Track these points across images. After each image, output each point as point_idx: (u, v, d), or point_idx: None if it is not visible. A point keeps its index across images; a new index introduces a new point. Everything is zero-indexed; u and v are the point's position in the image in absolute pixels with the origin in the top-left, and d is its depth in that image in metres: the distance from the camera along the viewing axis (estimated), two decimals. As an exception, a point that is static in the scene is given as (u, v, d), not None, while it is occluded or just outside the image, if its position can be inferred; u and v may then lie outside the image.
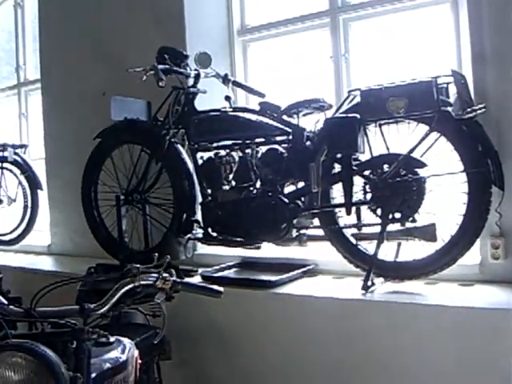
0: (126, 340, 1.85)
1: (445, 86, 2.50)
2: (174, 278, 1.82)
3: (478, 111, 2.38)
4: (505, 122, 2.56)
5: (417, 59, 3.13)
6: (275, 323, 2.76)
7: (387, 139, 2.68)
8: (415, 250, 2.67)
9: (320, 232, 2.89)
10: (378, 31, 3.31)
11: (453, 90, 2.50)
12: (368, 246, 2.76)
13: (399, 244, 2.76)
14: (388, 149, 2.69)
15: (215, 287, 1.94)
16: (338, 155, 2.69)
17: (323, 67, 3.43)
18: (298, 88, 3.50)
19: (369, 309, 2.55)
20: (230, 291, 2.29)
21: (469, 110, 2.38)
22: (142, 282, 1.77)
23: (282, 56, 3.70)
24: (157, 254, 1.85)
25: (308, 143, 2.78)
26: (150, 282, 1.78)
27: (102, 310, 1.69)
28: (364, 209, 2.72)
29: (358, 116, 2.58)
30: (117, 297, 1.72)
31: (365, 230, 2.75)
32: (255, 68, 3.77)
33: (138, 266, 1.78)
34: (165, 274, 1.80)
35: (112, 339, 1.76)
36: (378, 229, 2.67)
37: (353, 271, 2.89)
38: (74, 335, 1.57)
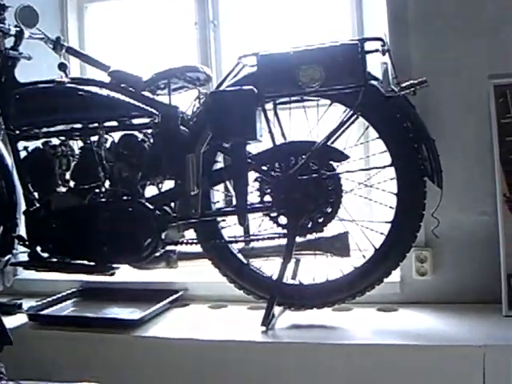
0: None
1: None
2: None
3: (418, 86, 1.80)
4: (432, 103, 2.04)
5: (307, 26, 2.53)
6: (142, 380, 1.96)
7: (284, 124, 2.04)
8: (328, 269, 2.04)
9: (195, 248, 2.14)
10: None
11: (376, 61, 1.90)
12: (262, 264, 2.09)
13: (297, 262, 2.13)
14: (284, 136, 2.04)
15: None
16: (226, 144, 1.97)
17: (186, 36, 2.70)
18: (152, 62, 2.72)
19: (274, 353, 1.87)
20: (69, 336, 1.83)
21: (406, 84, 1.80)
22: None
23: (130, 22, 2.89)
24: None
25: (182, 128, 2.01)
26: None
27: None
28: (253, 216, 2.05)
29: (254, 90, 1.88)
30: None
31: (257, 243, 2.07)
32: (95, 35, 2.92)
33: None
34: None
35: None
36: (278, 242, 2.01)
37: (233, 296, 2.22)
38: None
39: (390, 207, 1.97)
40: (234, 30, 2.68)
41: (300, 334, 1.92)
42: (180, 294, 2.32)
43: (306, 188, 1.91)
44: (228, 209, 2.04)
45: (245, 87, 1.88)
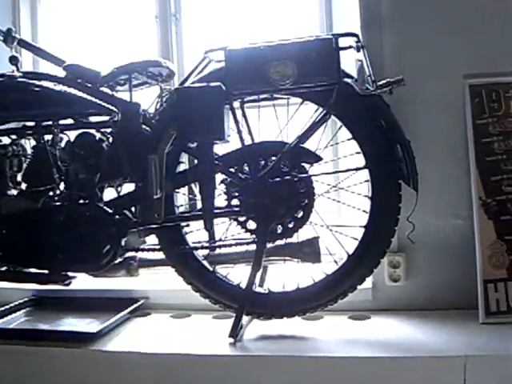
0: None
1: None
2: None
3: (395, 85, 1.72)
4: (405, 103, 1.95)
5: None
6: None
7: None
8: (298, 277, 1.94)
9: (157, 255, 2.01)
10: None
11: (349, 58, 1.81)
12: (229, 272, 1.98)
13: (265, 268, 2.02)
14: (252, 136, 1.92)
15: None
16: (192, 144, 1.85)
17: (146, 30, 2.56)
18: (110, 56, 2.57)
19: (244, 367, 1.75)
20: (19, 351, 1.74)
21: (382, 82, 1.71)
22: None
23: (87, 14, 2.72)
24: None
25: (144, 127, 1.88)
26: None
27: None
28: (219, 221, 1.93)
29: (222, 86, 1.76)
30: None
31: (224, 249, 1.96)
32: (49, 28, 2.75)
33: None
34: None
35: None
36: (246, 248, 1.91)
37: (197, 305, 2.11)
38: None
39: (364, 211, 1.89)
40: (197, 24, 2.55)
41: (270, 345, 1.81)
42: (141, 302, 2.19)
43: (277, 191, 1.80)
44: (193, 213, 1.91)
45: (212, 84, 1.76)
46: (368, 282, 2.02)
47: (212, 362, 1.76)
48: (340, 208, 2.24)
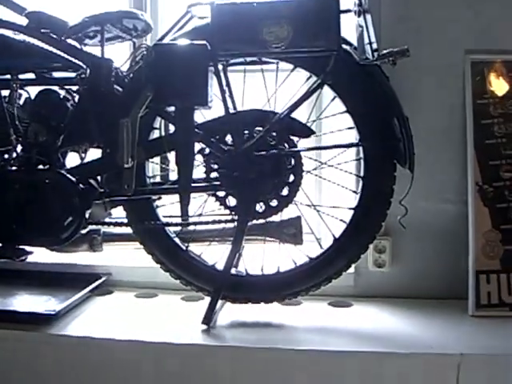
0: None
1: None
2: None
3: (398, 56, 1.55)
4: (400, 77, 1.79)
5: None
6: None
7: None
8: (279, 259, 1.79)
9: (124, 229, 1.83)
10: None
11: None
12: (201, 250, 1.82)
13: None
14: (234, 103, 1.74)
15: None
16: (169, 108, 1.65)
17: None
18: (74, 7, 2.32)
19: (216, 356, 1.60)
20: None
21: (385, 52, 1.54)
22: None
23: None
24: None
25: (115, 87, 1.67)
26: None
27: None
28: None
29: (208, 45, 1.57)
30: None
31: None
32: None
33: None
34: None
35: None
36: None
37: (164, 283, 1.96)
38: None
39: (353, 191, 1.75)
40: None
41: (247, 335, 1.66)
42: (103, 279, 2.00)
43: (262, 166, 1.64)
44: (168, 186, 1.73)
45: (196, 42, 1.57)
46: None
47: (184, 352, 1.60)
48: (321, 187, 2.10)
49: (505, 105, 1.80)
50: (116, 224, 1.78)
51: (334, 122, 1.79)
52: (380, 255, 1.91)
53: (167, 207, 1.84)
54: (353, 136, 1.75)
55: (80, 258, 2.03)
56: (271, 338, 1.65)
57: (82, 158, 1.78)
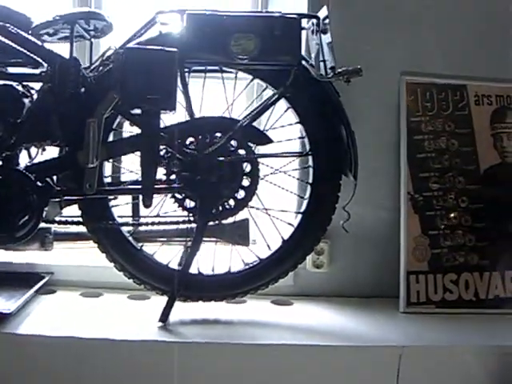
0: None
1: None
2: None
3: (352, 75, 1.69)
4: (345, 93, 1.95)
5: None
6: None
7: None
8: (229, 260, 1.87)
9: (75, 228, 1.83)
10: None
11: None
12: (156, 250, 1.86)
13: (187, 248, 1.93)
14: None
15: None
16: (136, 110, 1.69)
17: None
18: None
19: (175, 353, 1.66)
20: None
21: (341, 70, 1.68)
22: None
23: None
24: None
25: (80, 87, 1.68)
26: None
27: None
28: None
29: (177, 52, 1.63)
30: None
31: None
32: None
33: None
34: None
35: None
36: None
37: (108, 282, 2.01)
38: None
39: (301, 197, 1.88)
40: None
41: (196, 330, 1.72)
42: (47, 279, 1.98)
43: (223, 170, 1.72)
44: (130, 186, 1.76)
45: (168, 48, 1.62)
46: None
47: (137, 348, 1.63)
48: (271, 192, 2.21)
49: (434, 123, 2.01)
50: (71, 223, 1.78)
51: (283, 131, 1.90)
52: (318, 257, 2.05)
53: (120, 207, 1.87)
54: (297, 145, 1.89)
55: (18, 256, 2.00)
56: (220, 333, 1.73)
57: (30, 156, 1.77)
